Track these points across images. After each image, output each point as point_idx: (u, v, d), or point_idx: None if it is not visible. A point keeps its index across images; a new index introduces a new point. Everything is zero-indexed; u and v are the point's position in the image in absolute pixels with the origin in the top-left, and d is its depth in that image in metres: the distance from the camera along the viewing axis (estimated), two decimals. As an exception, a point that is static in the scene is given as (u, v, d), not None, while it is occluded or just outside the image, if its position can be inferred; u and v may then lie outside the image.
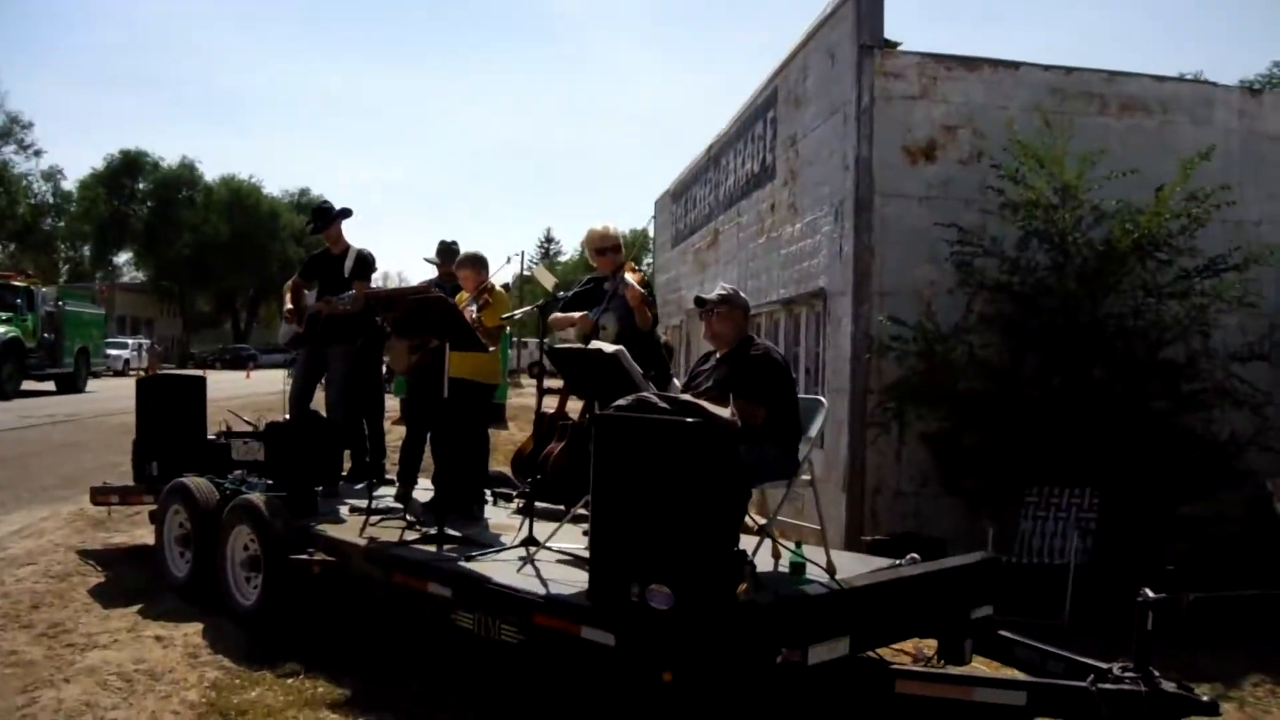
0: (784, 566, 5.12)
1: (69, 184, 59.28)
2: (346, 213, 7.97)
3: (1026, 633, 5.58)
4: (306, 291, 8.06)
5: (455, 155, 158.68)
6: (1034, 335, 8.33)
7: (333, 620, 6.03)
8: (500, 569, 5.12)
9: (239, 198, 62.36)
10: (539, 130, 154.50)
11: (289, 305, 7.91)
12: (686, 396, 4.52)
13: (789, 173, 10.80)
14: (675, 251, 17.53)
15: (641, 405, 4.43)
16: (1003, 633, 5.47)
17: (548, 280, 6.52)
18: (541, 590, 4.70)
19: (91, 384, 28.99)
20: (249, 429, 9.07)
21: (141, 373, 40.13)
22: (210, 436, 8.29)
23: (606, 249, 6.36)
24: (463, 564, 5.22)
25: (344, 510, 6.84)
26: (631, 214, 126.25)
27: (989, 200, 8.76)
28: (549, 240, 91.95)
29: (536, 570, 5.10)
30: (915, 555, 5.54)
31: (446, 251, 7.85)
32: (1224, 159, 8.83)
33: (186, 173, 62.13)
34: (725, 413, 4.34)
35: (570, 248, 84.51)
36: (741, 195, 12.75)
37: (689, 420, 4.15)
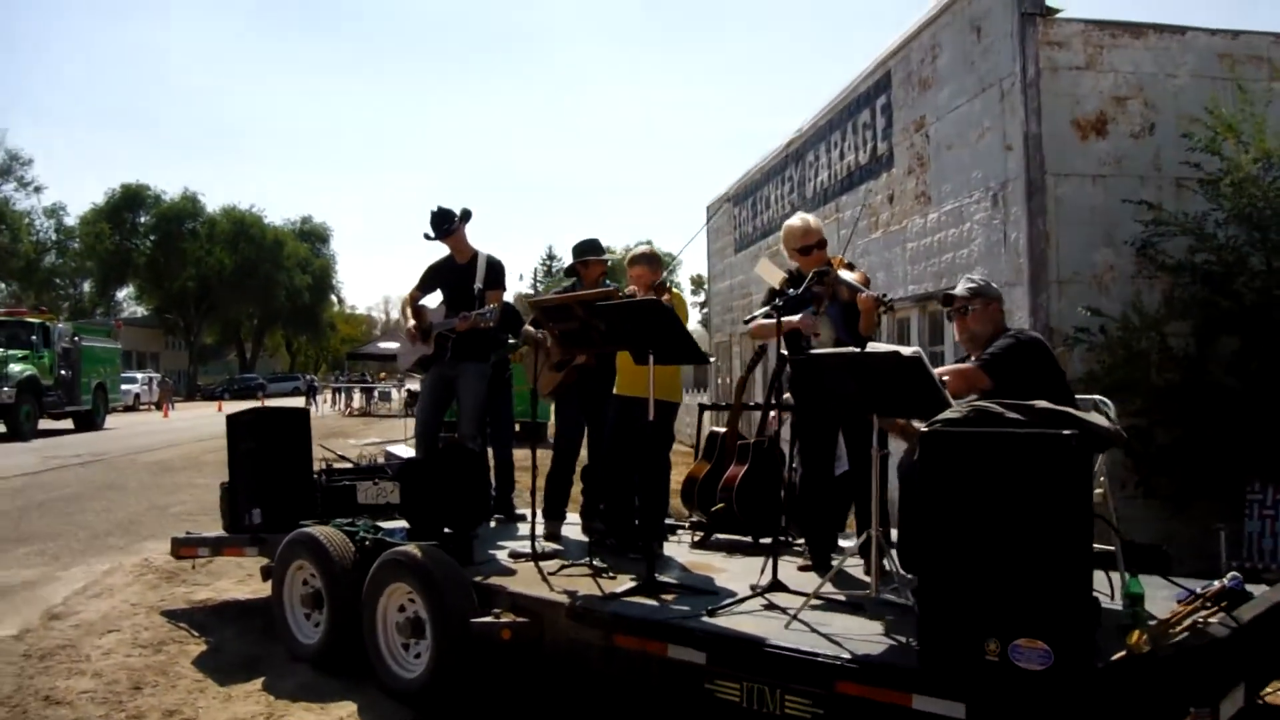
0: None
1: (71, 220, 58.44)
2: (467, 215, 6.84)
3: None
4: (427, 306, 6.99)
5: (452, 178, 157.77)
6: (1230, 318, 7.43)
7: (522, 694, 5.01)
8: (762, 625, 4.12)
9: (242, 228, 61.30)
10: (531, 150, 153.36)
11: (411, 323, 6.82)
12: (1043, 403, 3.52)
13: (915, 159, 9.85)
14: (742, 255, 16.61)
15: (985, 418, 3.44)
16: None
17: (774, 276, 5.53)
18: (840, 652, 3.70)
19: (109, 420, 28.00)
20: (348, 466, 8.09)
21: (152, 407, 39.25)
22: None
23: (811, 246, 5.48)
24: (711, 620, 4.21)
25: (502, 556, 5.81)
26: (632, 229, 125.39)
27: (1163, 176, 8.00)
28: (551, 258, 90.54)
29: (809, 625, 4.09)
30: (1237, 574, 4.54)
31: (590, 249, 6.74)
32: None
33: (189, 205, 60.97)
34: (1103, 420, 3.36)
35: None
36: (842, 189, 11.79)
37: (1066, 433, 3.17)
